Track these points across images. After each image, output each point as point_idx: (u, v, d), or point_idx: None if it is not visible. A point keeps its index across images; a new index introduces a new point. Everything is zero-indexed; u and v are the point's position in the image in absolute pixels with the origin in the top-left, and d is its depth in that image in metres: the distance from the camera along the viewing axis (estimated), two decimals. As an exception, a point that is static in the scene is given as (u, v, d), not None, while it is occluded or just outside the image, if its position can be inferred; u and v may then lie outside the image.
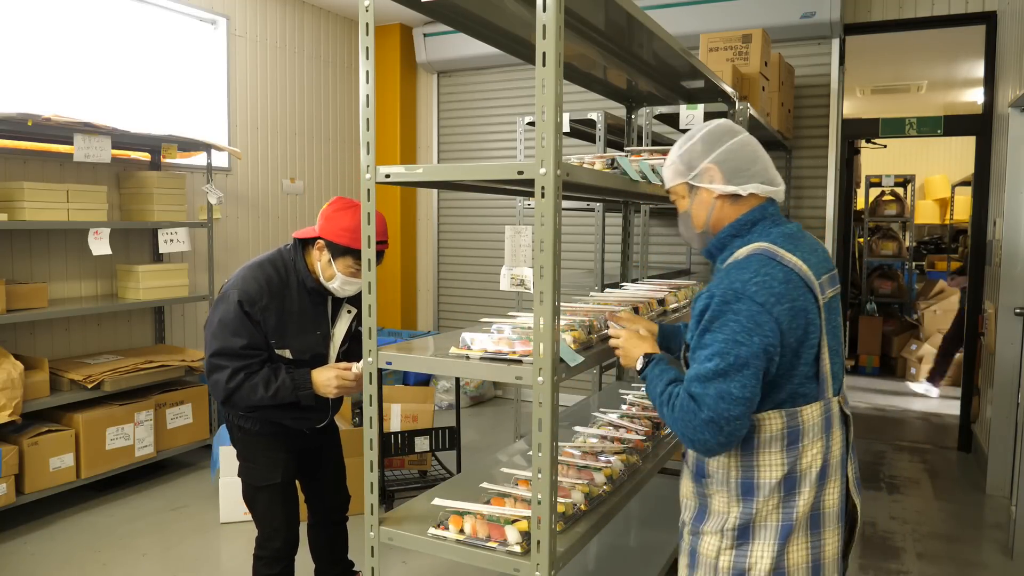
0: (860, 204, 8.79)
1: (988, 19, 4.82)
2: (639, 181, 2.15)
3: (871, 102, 8.87)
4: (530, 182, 1.52)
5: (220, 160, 5.17)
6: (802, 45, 5.13)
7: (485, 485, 1.94)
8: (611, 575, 2.65)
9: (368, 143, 1.76)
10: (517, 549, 1.62)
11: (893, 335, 7.65)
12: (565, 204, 2.55)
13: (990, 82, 4.93)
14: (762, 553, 1.54)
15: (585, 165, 2.10)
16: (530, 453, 1.75)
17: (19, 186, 3.67)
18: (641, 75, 2.87)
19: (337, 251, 2.35)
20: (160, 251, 4.46)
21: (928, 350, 6.99)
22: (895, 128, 5.52)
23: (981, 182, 5.01)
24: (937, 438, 5.44)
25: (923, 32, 5.12)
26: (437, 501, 1.86)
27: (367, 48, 1.72)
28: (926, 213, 10.90)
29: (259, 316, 2.31)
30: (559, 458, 1.87)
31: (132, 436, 4.05)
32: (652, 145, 3.84)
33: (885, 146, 9.08)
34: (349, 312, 2.55)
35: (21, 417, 3.52)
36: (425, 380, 5.89)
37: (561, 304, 1.85)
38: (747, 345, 1.44)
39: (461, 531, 1.71)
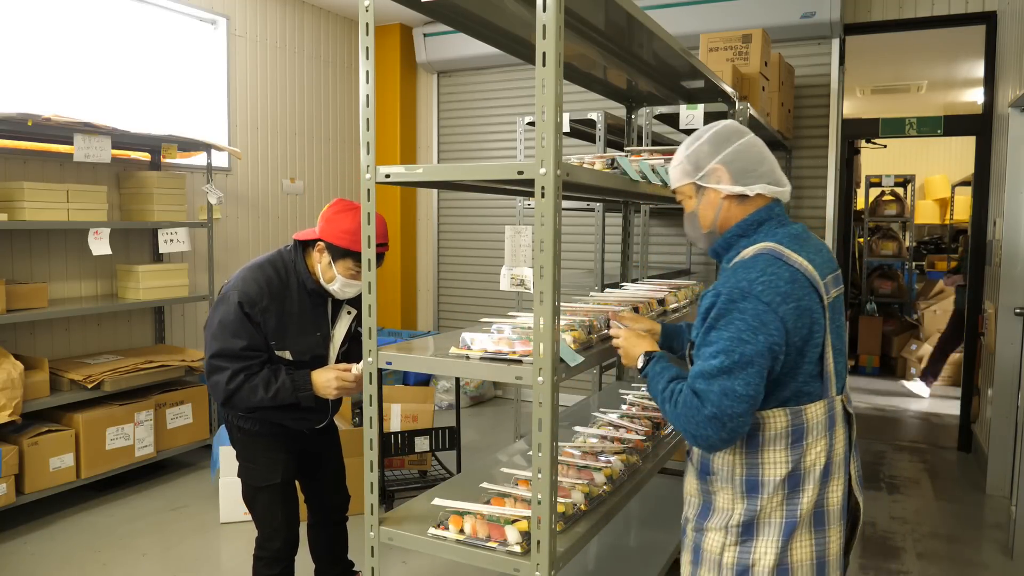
0: (860, 204, 8.79)
1: (988, 19, 4.82)
2: (639, 181, 2.15)
3: (871, 102, 8.87)
4: (530, 182, 1.52)
5: (220, 160, 5.17)
6: (802, 45, 5.13)
7: (485, 485, 1.94)
8: (611, 575, 2.65)
9: (368, 143, 1.76)
10: (517, 549, 1.62)
11: (893, 335, 7.66)
12: (565, 204, 2.55)
13: (990, 82, 4.93)
14: (766, 549, 1.55)
15: (585, 165, 2.10)
16: (530, 453, 1.75)
17: (19, 186, 3.67)
18: (641, 75, 2.87)
19: (337, 253, 2.34)
20: (160, 251, 4.46)
21: (928, 350, 6.99)
22: (895, 128, 5.52)
23: (981, 182, 5.01)
24: (937, 438, 5.44)
25: (923, 32, 5.12)
26: (437, 501, 1.86)
27: (367, 48, 1.72)
28: (926, 213, 10.90)
29: (259, 317, 2.31)
30: (559, 458, 1.87)
31: (132, 436, 4.05)
32: (652, 145, 3.84)
33: (885, 146, 9.08)
34: (349, 313, 2.55)
35: (21, 417, 3.52)
36: (425, 380, 5.89)
37: (561, 304, 1.85)
38: (752, 343, 1.45)
39: (461, 531, 1.71)
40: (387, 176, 1.73)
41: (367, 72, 1.73)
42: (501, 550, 1.64)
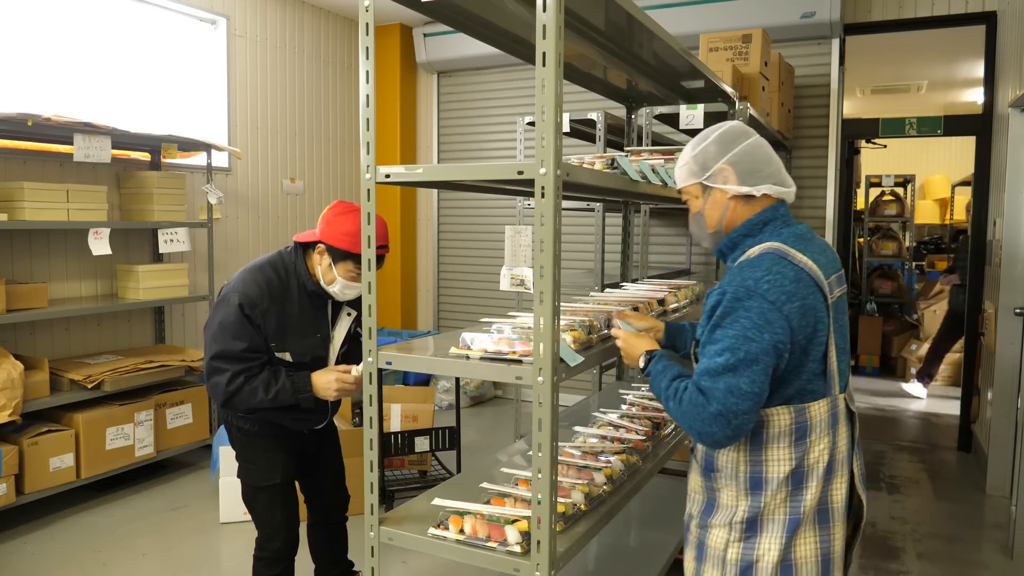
0: (860, 204, 8.79)
1: (988, 19, 4.82)
2: (639, 181, 2.15)
3: (871, 102, 8.87)
4: (530, 182, 1.52)
5: (220, 160, 5.17)
6: (802, 45, 5.12)
7: (485, 485, 1.94)
8: (611, 575, 2.65)
9: (368, 143, 1.76)
10: (517, 549, 1.63)
11: (893, 335, 7.66)
12: (565, 204, 2.55)
13: (990, 82, 4.93)
14: (769, 545, 1.57)
15: (585, 165, 2.10)
16: (530, 453, 1.75)
17: (19, 186, 3.67)
18: (641, 75, 2.87)
19: (338, 255, 2.34)
20: (160, 251, 4.46)
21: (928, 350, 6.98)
22: (895, 128, 5.52)
23: (981, 182, 5.01)
24: (937, 438, 5.44)
25: (923, 32, 5.12)
26: (437, 501, 1.86)
27: (367, 48, 1.72)
28: (926, 213, 10.90)
29: (260, 319, 2.31)
30: (559, 458, 1.87)
31: (132, 436, 4.05)
32: (652, 145, 3.84)
33: (885, 146, 9.08)
34: (349, 315, 2.55)
35: (21, 417, 3.52)
36: (425, 380, 5.89)
37: (561, 304, 1.85)
38: (757, 341, 1.47)
39: (461, 531, 1.71)
40: (387, 176, 1.73)
41: (367, 72, 1.73)
42: (501, 550, 1.64)
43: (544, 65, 1.48)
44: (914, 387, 6.60)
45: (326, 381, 2.34)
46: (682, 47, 2.42)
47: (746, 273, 1.53)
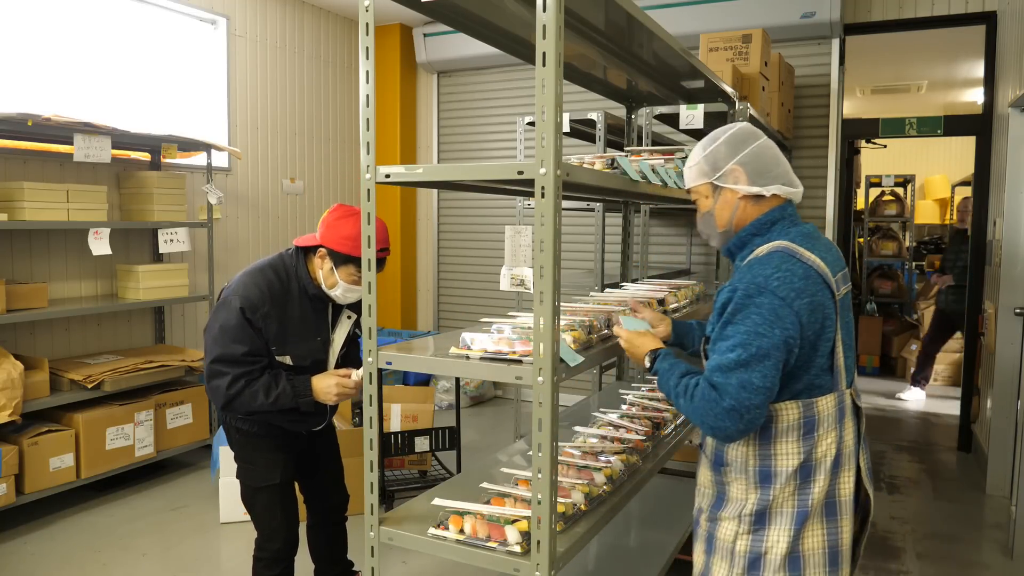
0: (860, 204, 8.79)
1: (988, 19, 4.82)
2: (639, 181, 2.15)
3: (871, 102, 8.87)
4: (530, 182, 1.52)
5: (220, 160, 5.17)
6: (802, 45, 5.12)
7: (485, 485, 1.94)
8: (611, 575, 2.65)
9: (368, 143, 1.76)
10: (517, 549, 1.62)
11: (893, 335, 7.66)
12: (565, 204, 2.55)
13: (990, 82, 4.93)
14: (778, 538, 1.60)
15: (585, 165, 2.10)
16: (530, 453, 1.75)
17: (19, 186, 3.67)
18: (641, 75, 2.87)
19: (339, 259, 2.34)
20: (160, 251, 4.46)
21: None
22: (895, 128, 5.52)
23: (981, 182, 5.01)
24: (937, 438, 5.44)
25: (923, 32, 5.12)
26: (437, 501, 1.86)
27: (367, 48, 1.72)
28: (926, 213, 10.90)
29: (261, 323, 2.31)
30: (559, 458, 1.87)
31: (132, 436, 4.05)
32: (652, 145, 3.84)
33: (885, 146, 9.08)
34: (349, 318, 2.55)
35: (21, 417, 3.52)
36: (425, 380, 5.89)
37: (561, 304, 1.85)
38: (768, 337, 1.50)
39: (461, 531, 1.71)
40: (387, 176, 1.73)
41: (367, 72, 1.73)
42: (501, 550, 1.64)
43: (544, 65, 1.47)
44: (911, 393, 6.54)
45: (326, 385, 2.34)
46: (682, 47, 2.42)
47: (756, 270, 1.56)
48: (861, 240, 8.59)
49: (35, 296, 3.76)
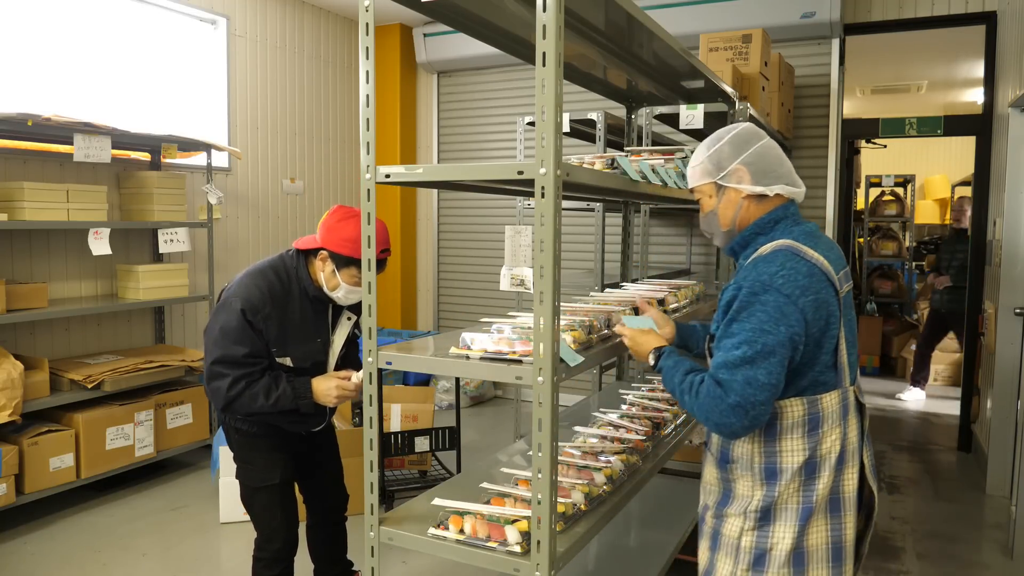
0: (860, 204, 8.79)
1: (988, 19, 4.82)
2: (639, 181, 2.15)
3: (871, 102, 8.87)
4: (530, 182, 1.52)
5: (220, 160, 5.17)
6: (802, 45, 5.13)
7: (485, 485, 1.94)
8: (611, 575, 2.65)
9: (368, 143, 1.76)
10: (517, 549, 1.62)
11: (893, 335, 7.66)
12: (565, 204, 2.55)
13: (990, 82, 4.93)
14: (783, 534, 1.61)
15: (585, 165, 2.10)
16: (530, 453, 1.75)
17: (19, 186, 3.67)
18: (641, 75, 2.87)
19: (342, 262, 2.34)
20: (160, 251, 4.46)
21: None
22: (895, 128, 5.52)
23: (981, 182, 5.01)
24: (937, 438, 5.44)
25: (923, 32, 5.12)
26: (437, 501, 1.86)
27: (367, 48, 1.72)
28: (926, 213, 10.89)
29: (261, 325, 2.31)
30: (559, 458, 1.87)
31: (132, 436, 4.05)
32: (652, 145, 3.84)
33: (885, 146, 9.07)
34: (349, 319, 2.55)
35: (21, 417, 3.52)
36: (425, 380, 5.89)
37: (561, 304, 1.85)
38: (774, 334, 1.51)
39: (461, 531, 1.71)
40: (387, 176, 1.73)
41: (367, 72, 1.73)
42: (501, 550, 1.64)
43: (544, 65, 1.47)
44: (911, 393, 6.54)
45: (326, 387, 2.34)
46: (682, 47, 2.42)
47: (761, 268, 1.57)
48: (861, 240, 8.59)
49: (35, 296, 3.76)
